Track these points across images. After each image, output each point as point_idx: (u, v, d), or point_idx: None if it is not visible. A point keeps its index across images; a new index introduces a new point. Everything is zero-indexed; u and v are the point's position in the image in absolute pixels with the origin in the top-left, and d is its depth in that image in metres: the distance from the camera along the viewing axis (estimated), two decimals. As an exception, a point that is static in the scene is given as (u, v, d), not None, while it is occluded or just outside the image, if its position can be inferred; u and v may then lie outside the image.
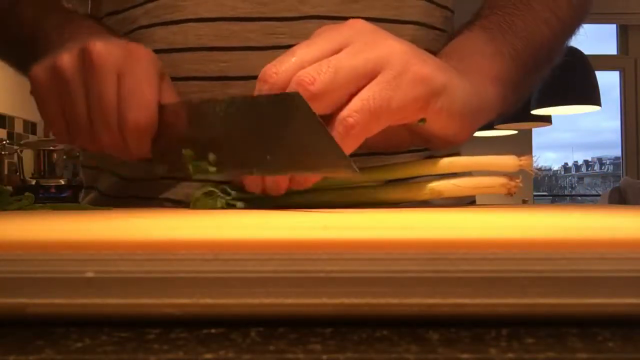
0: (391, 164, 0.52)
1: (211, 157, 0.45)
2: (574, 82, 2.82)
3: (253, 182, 0.45)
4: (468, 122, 0.48)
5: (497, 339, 0.16)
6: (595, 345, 0.16)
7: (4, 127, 2.53)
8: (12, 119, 2.57)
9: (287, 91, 0.41)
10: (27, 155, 2.15)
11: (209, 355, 0.15)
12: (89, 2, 0.67)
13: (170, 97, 0.50)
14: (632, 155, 3.70)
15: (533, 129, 3.62)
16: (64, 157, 2.12)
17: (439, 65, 0.45)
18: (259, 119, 0.42)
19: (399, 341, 0.16)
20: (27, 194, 0.47)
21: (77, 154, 0.76)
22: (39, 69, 0.50)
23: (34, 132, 2.73)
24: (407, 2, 0.58)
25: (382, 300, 0.17)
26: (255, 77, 0.43)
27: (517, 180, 0.45)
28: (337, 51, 0.42)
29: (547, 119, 3.21)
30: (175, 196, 0.57)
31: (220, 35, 0.55)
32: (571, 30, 0.62)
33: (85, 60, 0.47)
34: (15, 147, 2.22)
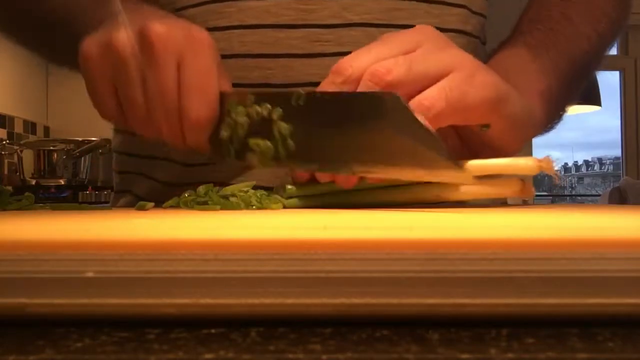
0: None
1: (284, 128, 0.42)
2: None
3: (345, 179, 0.44)
4: (521, 134, 0.49)
5: (497, 339, 0.16)
6: (595, 345, 0.16)
7: (4, 127, 2.53)
8: (12, 119, 2.57)
9: (361, 83, 0.41)
10: (27, 155, 2.15)
11: (209, 355, 0.15)
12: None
13: (225, 83, 0.48)
14: (632, 155, 3.69)
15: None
16: (64, 157, 2.12)
17: (499, 77, 0.47)
18: (347, 116, 0.41)
19: (399, 341, 0.16)
20: (27, 194, 0.46)
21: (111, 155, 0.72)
22: (92, 44, 0.47)
23: (34, 132, 2.73)
24: (448, 10, 0.58)
25: (382, 300, 0.17)
26: (299, 85, 0.42)
27: (533, 190, 0.45)
28: (410, 52, 0.43)
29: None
30: None
31: (264, 42, 0.55)
32: (609, 43, 0.62)
33: (145, 42, 0.45)
34: (15, 147, 2.22)
